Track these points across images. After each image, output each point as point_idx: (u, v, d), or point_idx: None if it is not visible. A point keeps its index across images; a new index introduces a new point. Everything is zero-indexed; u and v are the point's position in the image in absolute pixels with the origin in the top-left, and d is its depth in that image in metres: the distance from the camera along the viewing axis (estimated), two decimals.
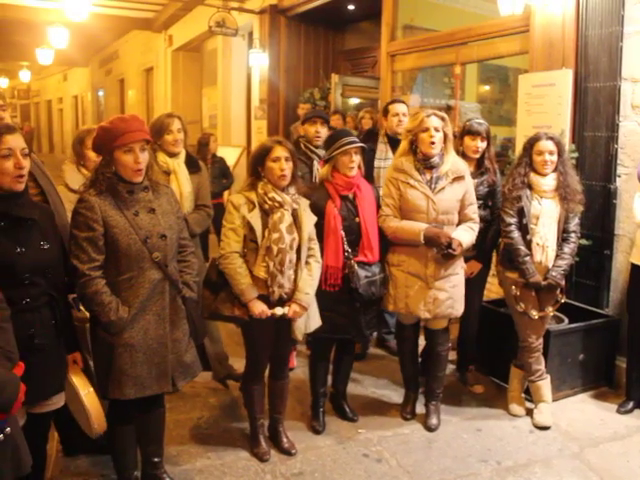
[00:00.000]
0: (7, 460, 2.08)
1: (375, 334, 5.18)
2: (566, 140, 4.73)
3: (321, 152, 4.59)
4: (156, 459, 3.21)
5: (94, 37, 16.05)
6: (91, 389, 2.74)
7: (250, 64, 10.24)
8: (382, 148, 4.81)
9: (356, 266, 3.63)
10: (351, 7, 9.22)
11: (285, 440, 3.69)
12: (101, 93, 21.29)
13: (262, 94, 10.02)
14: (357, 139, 3.74)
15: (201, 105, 13.32)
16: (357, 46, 10.08)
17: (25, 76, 23.85)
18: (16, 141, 2.43)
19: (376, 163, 4.77)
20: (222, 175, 7.56)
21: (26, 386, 2.17)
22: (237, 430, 3.92)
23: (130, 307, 2.77)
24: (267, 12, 9.71)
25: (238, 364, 4.29)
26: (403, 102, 5.02)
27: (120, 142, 2.73)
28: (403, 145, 3.92)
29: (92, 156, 3.41)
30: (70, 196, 3.27)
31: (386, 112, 4.91)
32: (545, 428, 4.00)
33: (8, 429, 2.10)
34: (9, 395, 2.04)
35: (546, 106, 5.04)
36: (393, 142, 4.79)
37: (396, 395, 4.41)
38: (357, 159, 3.66)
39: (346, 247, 3.64)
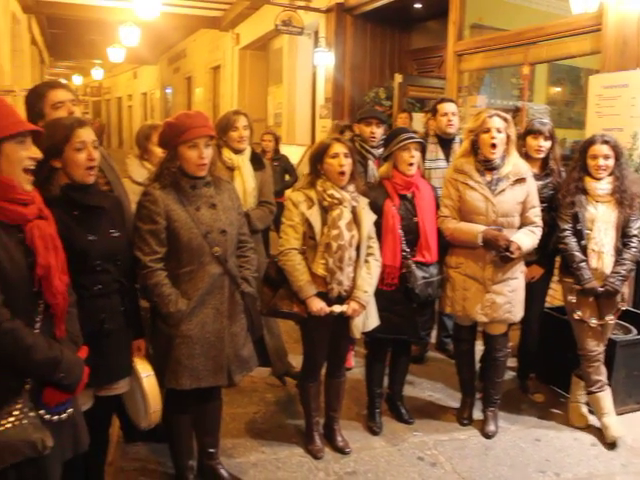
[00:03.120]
0: (69, 437, 2.17)
1: (434, 337, 5.13)
2: (639, 144, 4.57)
3: (376, 152, 4.57)
4: (212, 450, 3.26)
5: (163, 36, 16.45)
6: (152, 373, 2.79)
7: (315, 63, 10.29)
8: (432, 148, 4.72)
9: (414, 266, 3.61)
10: (418, 6, 9.16)
11: (340, 439, 3.69)
12: (169, 90, 21.77)
13: (327, 93, 10.06)
14: (416, 135, 3.71)
15: (266, 103, 13.46)
16: (423, 45, 10.01)
17: (97, 74, 24.66)
18: (87, 134, 2.51)
19: (426, 164, 4.71)
20: (285, 173, 7.61)
21: (95, 370, 2.26)
22: (292, 426, 3.94)
23: (189, 300, 2.82)
24: (333, 11, 9.74)
25: (296, 361, 4.31)
26: (453, 101, 4.94)
27: (185, 137, 2.79)
28: (464, 145, 3.88)
29: (156, 151, 3.49)
30: (134, 188, 3.34)
31: (435, 112, 4.83)
32: (612, 444, 3.83)
33: (71, 409, 2.18)
34: (75, 377, 2.11)
35: (618, 108, 4.88)
36: (443, 142, 4.74)
37: (453, 400, 4.35)
38: (417, 155, 3.63)
39: (404, 247, 3.62)
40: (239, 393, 4.22)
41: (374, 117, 4.56)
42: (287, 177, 7.66)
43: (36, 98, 2.91)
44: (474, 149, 3.74)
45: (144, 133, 3.59)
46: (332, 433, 3.72)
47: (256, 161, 4.17)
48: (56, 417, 2.10)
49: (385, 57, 10.13)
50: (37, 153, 2.08)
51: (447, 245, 3.80)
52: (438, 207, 3.80)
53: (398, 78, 8.71)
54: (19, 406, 1.98)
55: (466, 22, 7.69)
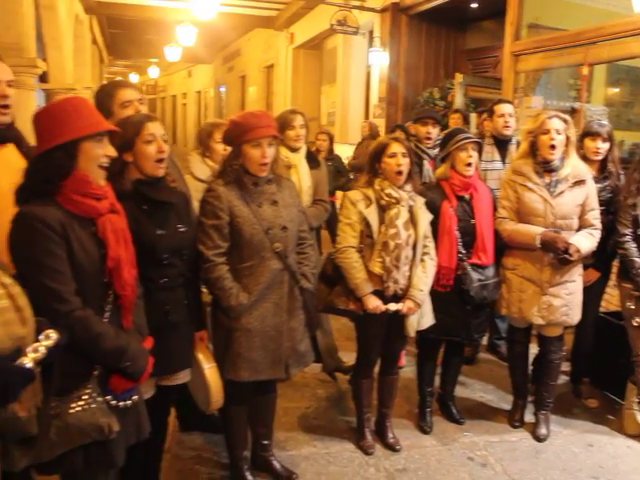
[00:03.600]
0: (132, 424, 2.26)
1: (486, 339, 5.12)
2: None
3: (431, 152, 4.58)
4: (265, 442, 3.35)
5: (219, 35, 16.68)
6: (214, 364, 2.87)
7: (370, 62, 10.31)
8: (488, 150, 4.70)
9: (469, 268, 3.61)
10: (474, 5, 9.10)
11: (391, 435, 3.73)
12: (223, 89, 22.03)
13: (381, 92, 10.06)
14: (473, 135, 3.71)
15: (320, 102, 13.53)
16: (478, 45, 9.93)
17: (153, 72, 25.16)
18: (157, 128, 2.60)
19: (482, 165, 4.69)
20: (337, 173, 7.65)
21: (158, 360, 2.33)
22: (343, 422, 3.99)
23: (250, 294, 2.89)
24: (389, 10, 9.74)
25: (346, 358, 4.38)
26: (509, 102, 4.91)
27: (249, 136, 2.86)
28: (523, 147, 3.86)
29: (218, 148, 3.58)
30: (196, 185, 3.43)
31: (492, 113, 4.80)
32: None
33: (136, 397, 2.27)
34: (140, 366, 2.20)
35: None
36: (499, 143, 4.71)
37: (504, 402, 4.33)
38: (475, 155, 3.64)
39: (460, 248, 3.63)
40: (291, 388, 4.29)
41: (430, 117, 4.58)
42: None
43: (105, 97, 3.01)
44: (533, 151, 3.72)
45: (206, 131, 3.67)
46: (383, 430, 3.76)
47: (312, 159, 4.24)
48: (121, 403, 2.19)
49: (440, 57, 10.09)
50: (112, 151, 2.17)
51: (504, 246, 3.79)
52: (495, 209, 3.79)
53: (459, 78, 8.64)
54: (88, 391, 2.07)
55: (523, 22, 7.60)
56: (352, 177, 7.88)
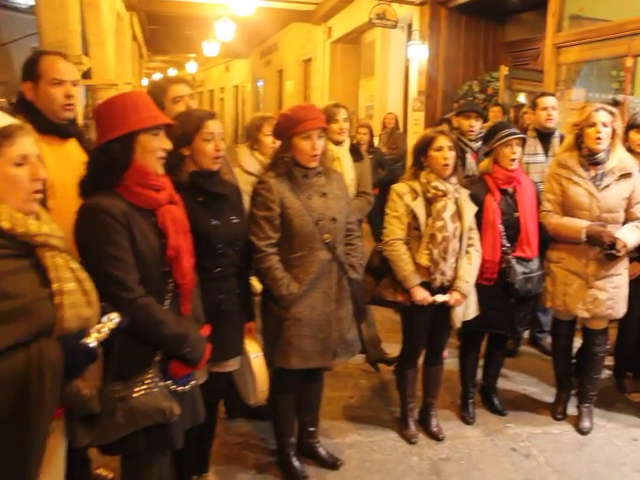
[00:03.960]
0: (188, 408, 2.34)
1: (528, 332, 5.12)
2: None
3: (474, 145, 4.59)
4: (311, 429, 3.43)
5: (256, 30, 16.78)
6: (260, 354, 2.94)
7: (409, 56, 10.29)
8: (531, 143, 4.67)
9: (514, 261, 3.63)
10: None
11: (434, 425, 3.78)
12: (260, 83, 22.14)
13: (420, 86, 10.05)
14: (518, 131, 3.72)
15: (358, 96, 13.52)
16: (518, 38, 9.84)
17: (191, 67, 25.39)
18: (216, 126, 2.67)
19: (525, 158, 4.67)
20: (378, 166, 7.67)
21: (211, 346, 2.41)
22: (386, 412, 4.05)
23: (300, 284, 2.96)
24: (428, 3, 9.73)
25: (388, 350, 4.44)
26: (552, 95, 4.88)
27: (299, 129, 2.92)
28: (568, 139, 3.85)
29: (267, 141, 3.64)
30: (245, 178, 3.50)
31: (535, 106, 4.79)
32: None
33: (193, 382, 2.36)
34: (199, 352, 2.29)
35: None
36: (542, 136, 4.70)
37: (547, 394, 4.34)
38: (518, 151, 3.65)
39: (504, 242, 3.65)
40: (334, 378, 4.35)
41: (473, 111, 4.59)
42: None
43: (158, 92, 3.09)
44: (578, 143, 3.71)
45: (255, 124, 3.73)
46: (427, 419, 3.80)
47: (355, 152, 4.29)
48: (180, 388, 2.29)
49: (479, 50, 10.03)
50: (168, 144, 2.25)
51: (548, 239, 3.79)
52: (539, 202, 3.80)
53: (504, 70, 8.56)
54: (150, 376, 2.16)
55: (565, 13, 7.52)
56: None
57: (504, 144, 3.62)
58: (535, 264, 3.73)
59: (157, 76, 31.30)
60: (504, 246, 3.65)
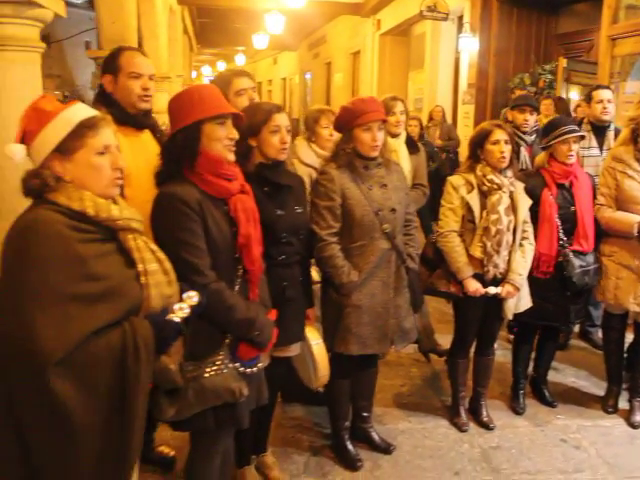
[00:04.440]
0: (254, 390, 2.44)
1: (578, 326, 5.12)
2: None
3: (528, 138, 4.60)
4: (365, 414, 3.53)
5: (305, 22, 16.89)
6: (321, 341, 3.05)
7: (460, 48, 10.25)
8: (585, 136, 4.68)
9: (571, 255, 3.66)
10: None
11: (485, 414, 3.84)
12: (308, 76, 22.26)
13: (470, 79, 10.01)
14: (577, 128, 3.73)
15: (407, 89, 13.51)
16: (571, 29, 9.69)
17: (240, 60, 25.65)
18: (283, 119, 2.77)
19: (579, 152, 4.68)
20: (429, 159, 7.69)
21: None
22: (437, 400, 4.13)
23: (360, 272, 3.05)
24: None
25: (439, 341, 4.51)
26: (608, 88, 4.86)
27: (360, 121, 3.01)
28: (624, 133, 3.85)
29: (324, 134, 3.73)
30: (303, 169, 3.59)
31: (590, 99, 4.77)
32: None
33: (260, 364, 2.48)
34: (267, 336, 2.40)
35: None
36: (597, 130, 4.68)
37: (597, 388, 4.35)
38: (576, 148, 3.67)
39: (561, 235, 3.68)
40: (386, 366, 4.43)
41: (528, 104, 4.59)
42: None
43: (222, 85, 3.17)
44: (634, 137, 3.71)
45: (313, 117, 3.81)
46: (478, 408, 3.87)
47: (411, 145, 4.36)
48: (249, 370, 2.39)
49: (531, 42, 9.90)
50: (234, 133, 2.34)
51: (601, 233, 3.81)
52: (595, 196, 3.82)
53: (562, 62, 8.45)
54: (220, 357, 2.27)
55: (622, 3, 7.40)
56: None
57: (562, 141, 3.64)
58: (591, 257, 3.75)
59: (206, 69, 31.76)
60: (561, 240, 3.68)
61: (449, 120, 10.09)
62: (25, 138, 1.86)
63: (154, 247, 1.99)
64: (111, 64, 2.84)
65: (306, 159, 3.69)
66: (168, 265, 2.00)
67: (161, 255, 1.99)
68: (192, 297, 1.98)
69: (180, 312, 1.94)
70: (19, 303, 1.67)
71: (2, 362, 1.70)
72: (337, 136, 3.27)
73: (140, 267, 1.90)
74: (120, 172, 1.93)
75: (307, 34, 20.18)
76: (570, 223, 3.70)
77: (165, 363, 1.96)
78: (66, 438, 1.71)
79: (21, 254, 1.71)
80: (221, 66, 30.04)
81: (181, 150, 2.27)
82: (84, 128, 1.83)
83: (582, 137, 3.75)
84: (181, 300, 1.98)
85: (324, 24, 17.88)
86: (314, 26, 18.42)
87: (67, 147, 1.82)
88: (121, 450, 1.78)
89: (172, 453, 3.36)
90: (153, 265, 1.93)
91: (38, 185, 1.81)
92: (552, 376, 4.38)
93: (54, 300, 1.67)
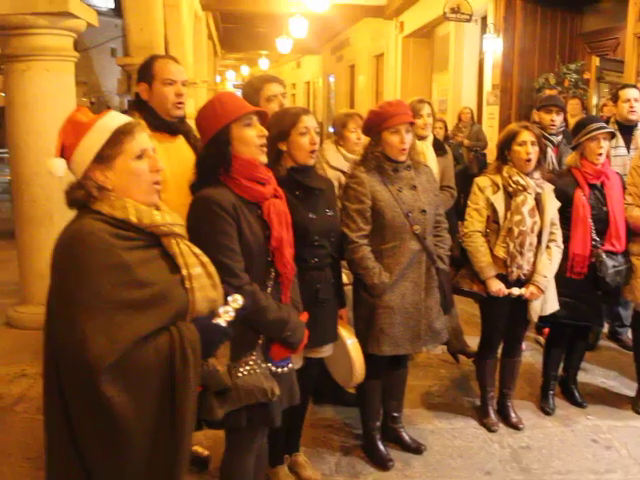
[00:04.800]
0: (285, 390, 2.48)
1: (607, 326, 5.11)
2: None
3: (555, 139, 4.60)
4: (396, 414, 3.56)
5: (328, 26, 16.95)
6: (355, 339, 3.08)
7: (484, 49, 10.23)
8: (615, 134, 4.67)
9: (604, 255, 3.67)
10: None
11: (513, 415, 3.85)
12: (332, 79, 22.32)
13: (495, 79, 9.99)
14: (606, 125, 3.74)
15: (431, 90, 13.50)
16: (597, 28, 9.63)
17: (264, 64, 25.78)
18: (311, 121, 2.82)
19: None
20: (454, 160, 7.70)
21: (309, 333, 2.56)
22: (466, 401, 4.15)
23: (391, 273, 3.10)
24: None
25: (467, 342, 4.53)
26: (635, 87, 4.84)
27: (388, 124, 3.06)
28: None
29: (351, 137, 3.77)
30: (331, 172, 3.63)
31: (616, 98, 4.77)
32: None
33: (291, 365, 2.53)
34: (299, 337, 2.45)
35: None
36: (623, 129, 4.67)
37: (627, 389, 4.33)
38: (605, 145, 3.67)
39: (594, 236, 3.69)
40: (415, 367, 4.45)
41: (555, 105, 4.58)
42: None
43: (252, 91, 3.27)
44: None
45: (341, 121, 3.84)
46: (505, 409, 3.87)
47: (438, 147, 4.40)
48: (280, 370, 2.44)
49: (555, 41, 9.87)
50: (263, 130, 2.39)
51: (630, 232, 3.81)
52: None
53: (595, 61, 8.39)
54: (254, 357, 2.32)
55: None
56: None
57: (591, 138, 3.65)
58: (623, 257, 3.77)
59: (230, 73, 31.99)
60: (594, 240, 3.70)
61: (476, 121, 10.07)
62: (64, 152, 1.88)
63: (197, 251, 2.01)
64: (145, 72, 2.93)
65: (334, 162, 3.73)
66: (212, 268, 2.01)
67: (204, 259, 2.01)
68: (237, 300, 2.01)
69: (226, 315, 1.97)
70: (70, 312, 1.71)
71: (57, 369, 1.75)
72: (365, 140, 3.31)
73: (184, 272, 1.92)
74: (159, 175, 1.95)
75: (330, 37, 20.23)
76: (602, 223, 3.71)
77: (213, 365, 1.99)
78: (116, 442, 1.74)
79: (69, 264, 1.75)
80: (245, 70, 30.28)
81: (215, 158, 2.34)
82: (120, 134, 1.86)
83: (612, 134, 3.75)
84: (226, 303, 2.01)
85: (347, 27, 17.91)
86: (337, 29, 18.46)
87: (106, 155, 1.85)
88: (171, 453, 1.81)
89: (206, 453, 3.41)
90: (197, 269, 1.95)
91: (83, 196, 1.83)
92: (581, 377, 4.37)
93: (103, 308, 1.70)
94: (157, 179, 1.94)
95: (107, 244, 1.75)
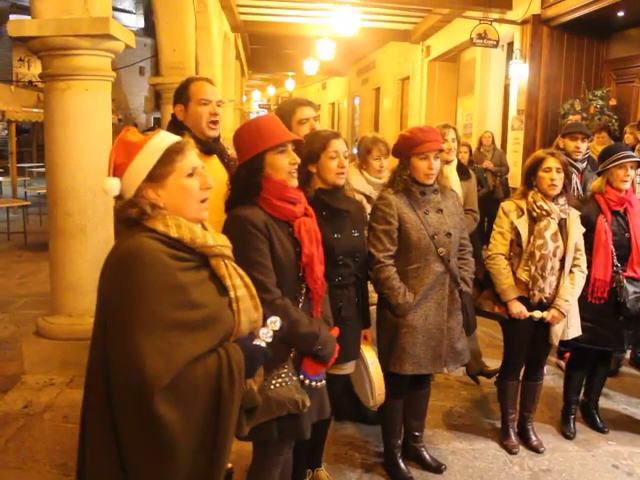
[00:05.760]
0: (315, 403, 2.56)
1: (629, 352, 5.11)
2: None
3: (579, 165, 4.64)
4: (417, 433, 3.61)
5: (355, 48, 17.16)
6: (376, 360, 3.16)
7: (510, 75, 10.30)
8: None
9: (625, 281, 3.72)
10: (621, 14, 8.87)
11: (534, 438, 3.87)
12: (357, 101, 22.51)
13: (520, 105, 10.04)
14: (634, 154, 3.80)
15: (456, 114, 13.59)
16: (623, 55, 9.68)
17: (290, 85, 26.08)
18: (341, 145, 2.93)
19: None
20: (478, 184, 7.74)
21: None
22: (487, 423, 4.18)
23: (415, 294, 3.17)
24: (529, 22, 9.73)
25: (488, 364, 4.58)
26: None
27: (418, 150, 3.15)
28: None
29: (375, 165, 3.79)
30: (354, 196, 3.71)
31: None
32: None
33: (323, 380, 2.59)
34: (329, 350, 2.52)
35: None
36: None
37: None
38: (632, 174, 3.74)
39: (615, 262, 3.74)
40: (436, 388, 4.47)
41: (580, 132, 4.63)
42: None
43: (285, 113, 3.34)
44: None
45: (366, 147, 3.86)
46: (526, 432, 3.90)
47: (462, 171, 4.47)
48: (313, 384, 2.52)
49: (581, 68, 9.91)
50: (296, 159, 2.49)
51: None
52: None
53: None
54: (285, 370, 2.40)
55: None
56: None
57: (618, 166, 3.72)
58: None
59: (256, 93, 32.35)
60: (615, 266, 3.75)
61: (498, 145, 10.12)
62: (116, 171, 1.92)
63: (242, 272, 2.05)
64: (182, 94, 3.05)
65: (357, 186, 3.77)
66: (254, 290, 2.06)
67: (248, 280, 2.05)
68: (275, 322, 2.08)
69: (266, 337, 2.03)
70: (126, 330, 1.74)
71: (106, 384, 1.79)
72: (391, 163, 3.39)
73: (232, 294, 1.96)
74: (207, 192, 1.98)
75: (356, 60, 20.46)
76: (624, 249, 3.77)
77: (250, 384, 2.04)
78: (164, 459, 1.77)
79: (127, 282, 1.76)
80: (271, 91, 30.60)
81: (246, 181, 2.44)
82: (172, 153, 1.91)
83: (639, 164, 3.81)
84: (264, 325, 2.07)
85: (374, 50, 18.12)
86: (364, 52, 18.68)
87: (158, 174, 1.89)
88: (211, 468, 1.85)
89: (229, 465, 3.47)
90: (242, 291, 2.00)
91: (136, 214, 1.87)
92: (603, 402, 4.38)
93: (159, 328, 1.73)
94: (206, 196, 1.98)
95: (164, 264, 1.79)
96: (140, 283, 1.75)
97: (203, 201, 1.97)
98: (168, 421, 1.72)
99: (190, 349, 1.78)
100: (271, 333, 2.05)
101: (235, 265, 2.04)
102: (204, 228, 2.00)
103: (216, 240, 1.97)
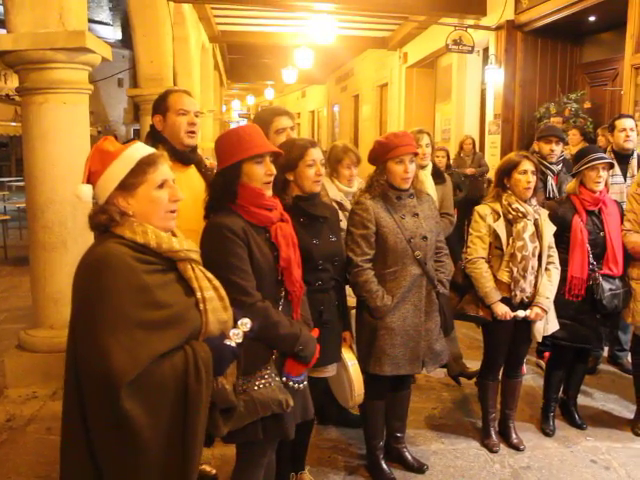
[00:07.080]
0: (299, 404, 2.62)
1: (607, 350, 5.20)
2: None
3: (555, 168, 4.73)
4: (399, 434, 3.67)
5: (333, 56, 17.25)
6: (356, 362, 3.20)
7: (485, 80, 10.43)
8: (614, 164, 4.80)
9: (601, 278, 3.80)
10: (592, 18, 9.03)
11: (514, 436, 3.93)
12: (336, 108, 22.62)
13: (496, 109, 10.18)
14: (606, 156, 3.89)
15: (434, 120, 13.70)
16: (596, 58, 9.85)
17: (269, 94, 26.15)
18: (317, 153, 2.99)
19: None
20: (456, 188, 7.83)
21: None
22: (468, 423, 4.24)
23: (393, 296, 3.23)
24: (503, 28, 9.86)
25: (469, 365, 4.64)
26: (631, 117, 5.00)
27: (393, 154, 3.22)
28: None
29: (345, 174, 3.78)
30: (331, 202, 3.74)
31: (612, 128, 4.94)
32: None
33: (305, 382, 2.65)
34: (310, 350, 2.57)
35: None
36: (620, 158, 4.81)
37: (627, 411, 4.42)
38: (604, 175, 3.83)
39: (591, 260, 3.83)
40: (418, 390, 4.56)
41: (554, 135, 4.72)
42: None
43: (262, 123, 3.36)
44: None
45: (337, 156, 3.82)
46: (507, 430, 3.96)
47: (437, 175, 4.55)
48: (296, 385, 2.57)
49: (555, 72, 10.06)
50: (271, 170, 2.54)
51: (629, 257, 3.94)
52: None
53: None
54: (268, 371, 2.47)
55: None
56: None
57: (591, 168, 3.81)
58: (621, 281, 3.89)
59: (236, 103, 32.37)
60: (591, 264, 3.83)
61: (477, 149, 10.23)
62: (91, 178, 2.00)
63: (210, 275, 2.13)
64: (160, 105, 3.11)
65: (330, 194, 3.80)
66: (223, 292, 2.13)
67: (216, 283, 2.13)
68: (246, 324, 2.13)
69: (235, 337, 2.09)
70: (93, 330, 1.80)
71: (78, 385, 1.86)
72: (367, 170, 3.44)
73: (199, 295, 2.03)
74: (177, 204, 2.06)
75: (335, 68, 20.57)
76: (600, 248, 3.86)
77: (222, 384, 2.09)
78: (132, 453, 1.83)
79: (93, 285, 1.84)
80: (250, 100, 30.64)
81: (223, 188, 2.50)
82: (144, 165, 1.98)
83: (611, 165, 3.90)
84: (235, 326, 2.12)
85: (352, 58, 18.22)
86: (342, 60, 18.76)
87: (129, 183, 1.97)
88: (182, 464, 1.91)
89: (214, 472, 3.50)
90: (210, 292, 2.07)
91: (105, 220, 1.95)
92: (581, 400, 4.46)
93: (125, 327, 1.79)
94: (174, 208, 2.05)
95: (130, 266, 1.86)
96: (106, 284, 1.82)
97: (172, 212, 2.04)
98: (134, 416, 1.78)
99: (156, 346, 1.84)
100: (241, 334, 2.10)
101: (203, 268, 2.11)
102: (173, 235, 2.06)
103: (182, 245, 2.04)
